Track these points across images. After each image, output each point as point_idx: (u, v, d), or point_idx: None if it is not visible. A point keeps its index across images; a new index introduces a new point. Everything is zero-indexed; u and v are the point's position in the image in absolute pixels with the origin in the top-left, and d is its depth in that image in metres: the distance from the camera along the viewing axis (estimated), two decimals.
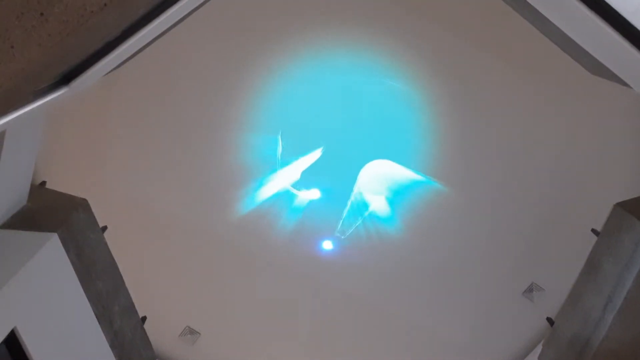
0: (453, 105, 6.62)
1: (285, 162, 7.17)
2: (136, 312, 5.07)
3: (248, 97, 6.80)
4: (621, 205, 4.28)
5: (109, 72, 3.58)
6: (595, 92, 5.75)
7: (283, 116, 6.97)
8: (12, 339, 3.46)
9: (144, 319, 5.26)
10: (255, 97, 6.83)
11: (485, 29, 6.09)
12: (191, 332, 7.34)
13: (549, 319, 5.24)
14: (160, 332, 6.68)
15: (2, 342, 3.42)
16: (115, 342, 4.54)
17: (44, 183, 5.14)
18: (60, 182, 5.15)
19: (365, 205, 7.26)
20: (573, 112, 6.21)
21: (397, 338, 7.38)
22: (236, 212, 7.15)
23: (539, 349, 5.39)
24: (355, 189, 7.25)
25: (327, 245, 7.35)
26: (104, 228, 4.69)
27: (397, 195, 7.12)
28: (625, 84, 3.60)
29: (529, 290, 6.81)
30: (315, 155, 7.17)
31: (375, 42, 6.54)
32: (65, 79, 2.82)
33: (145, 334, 5.25)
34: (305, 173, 7.23)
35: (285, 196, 7.23)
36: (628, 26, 2.65)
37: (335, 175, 7.28)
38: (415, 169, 6.99)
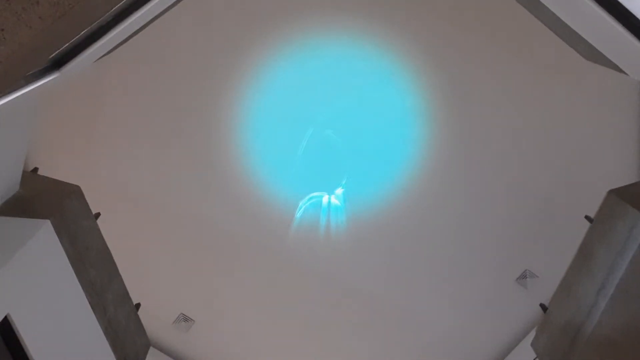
0: (444, 91, 6.59)
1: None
2: (130, 299, 5.06)
3: (244, 82, 6.76)
4: (615, 192, 4.29)
5: (102, 57, 3.55)
6: (590, 78, 5.75)
7: (280, 103, 6.93)
8: (5, 326, 3.45)
9: (137, 306, 5.26)
10: (252, 83, 6.78)
11: (478, 14, 6.06)
12: (185, 319, 7.36)
13: (542, 306, 5.25)
14: (154, 319, 6.69)
15: None
16: (109, 329, 4.54)
17: (36, 170, 5.11)
18: (53, 169, 5.12)
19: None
20: (567, 98, 6.21)
21: (388, 325, 7.42)
22: (231, 200, 7.13)
23: (532, 335, 5.41)
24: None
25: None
26: (97, 215, 4.67)
27: (387, 183, 7.10)
28: (620, 70, 3.60)
29: (523, 277, 6.84)
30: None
31: (365, 28, 6.51)
32: (57, 64, 2.80)
33: (139, 321, 5.25)
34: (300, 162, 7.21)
35: (281, 183, 7.20)
36: (623, 11, 2.64)
37: (326, 164, 7.26)
38: (406, 157, 6.96)
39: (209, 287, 7.35)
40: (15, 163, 3.98)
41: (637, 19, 2.61)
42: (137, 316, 5.21)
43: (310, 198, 7.27)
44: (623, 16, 2.66)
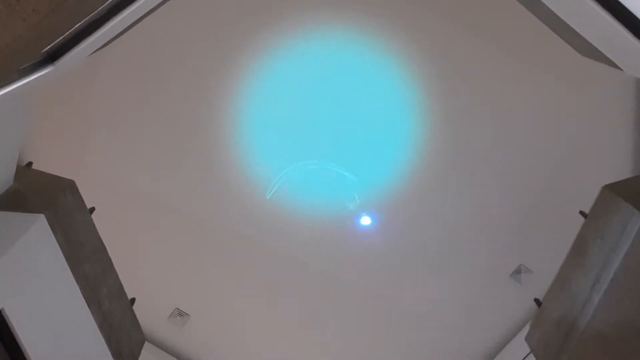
0: (440, 86, 6.58)
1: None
2: (125, 294, 5.05)
3: (239, 79, 6.73)
4: (609, 188, 4.30)
5: (96, 50, 3.53)
6: (585, 73, 5.75)
7: (274, 100, 6.90)
8: (0, 320, 3.45)
9: (132, 300, 5.25)
10: (247, 80, 6.76)
11: (474, 9, 6.05)
12: (180, 314, 7.35)
13: (536, 300, 5.27)
14: (149, 314, 6.68)
15: None
16: (104, 324, 4.53)
17: (30, 164, 5.09)
18: (47, 163, 5.10)
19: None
20: (562, 93, 6.21)
21: (383, 319, 7.43)
22: (226, 195, 7.12)
23: (526, 330, 5.43)
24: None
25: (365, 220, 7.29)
26: (92, 209, 4.65)
27: (381, 179, 7.09)
28: (615, 66, 3.60)
29: (517, 272, 6.86)
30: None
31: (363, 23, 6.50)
32: (51, 57, 2.78)
33: (134, 315, 5.24)
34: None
35: (275, 175, 7.17)
36: (619, 7, 2.63)
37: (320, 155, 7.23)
38: (399, 153, 6.95)
39: (204, 282, 7.34)
40: (9, 157, 3.96)
41: (632, 14, 2.61)
42: (132, 311, 5.20)
43: (300, 165, 7.16)
44: (618, 12, 2.66)
